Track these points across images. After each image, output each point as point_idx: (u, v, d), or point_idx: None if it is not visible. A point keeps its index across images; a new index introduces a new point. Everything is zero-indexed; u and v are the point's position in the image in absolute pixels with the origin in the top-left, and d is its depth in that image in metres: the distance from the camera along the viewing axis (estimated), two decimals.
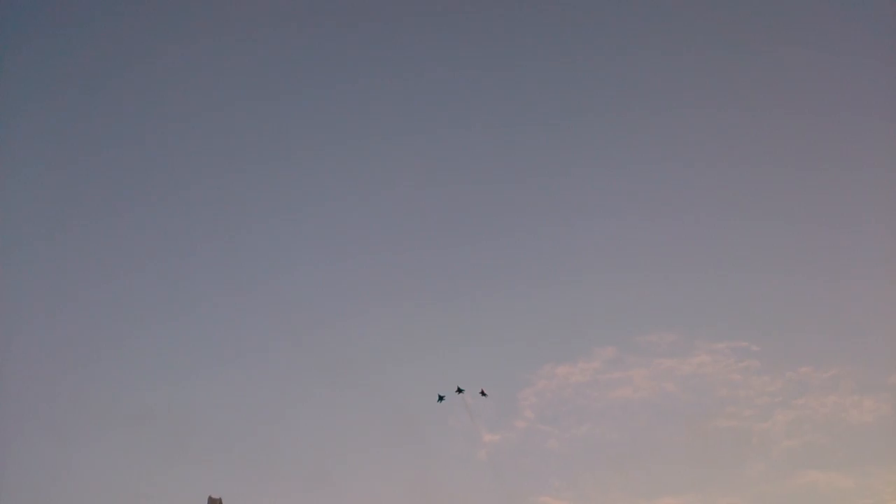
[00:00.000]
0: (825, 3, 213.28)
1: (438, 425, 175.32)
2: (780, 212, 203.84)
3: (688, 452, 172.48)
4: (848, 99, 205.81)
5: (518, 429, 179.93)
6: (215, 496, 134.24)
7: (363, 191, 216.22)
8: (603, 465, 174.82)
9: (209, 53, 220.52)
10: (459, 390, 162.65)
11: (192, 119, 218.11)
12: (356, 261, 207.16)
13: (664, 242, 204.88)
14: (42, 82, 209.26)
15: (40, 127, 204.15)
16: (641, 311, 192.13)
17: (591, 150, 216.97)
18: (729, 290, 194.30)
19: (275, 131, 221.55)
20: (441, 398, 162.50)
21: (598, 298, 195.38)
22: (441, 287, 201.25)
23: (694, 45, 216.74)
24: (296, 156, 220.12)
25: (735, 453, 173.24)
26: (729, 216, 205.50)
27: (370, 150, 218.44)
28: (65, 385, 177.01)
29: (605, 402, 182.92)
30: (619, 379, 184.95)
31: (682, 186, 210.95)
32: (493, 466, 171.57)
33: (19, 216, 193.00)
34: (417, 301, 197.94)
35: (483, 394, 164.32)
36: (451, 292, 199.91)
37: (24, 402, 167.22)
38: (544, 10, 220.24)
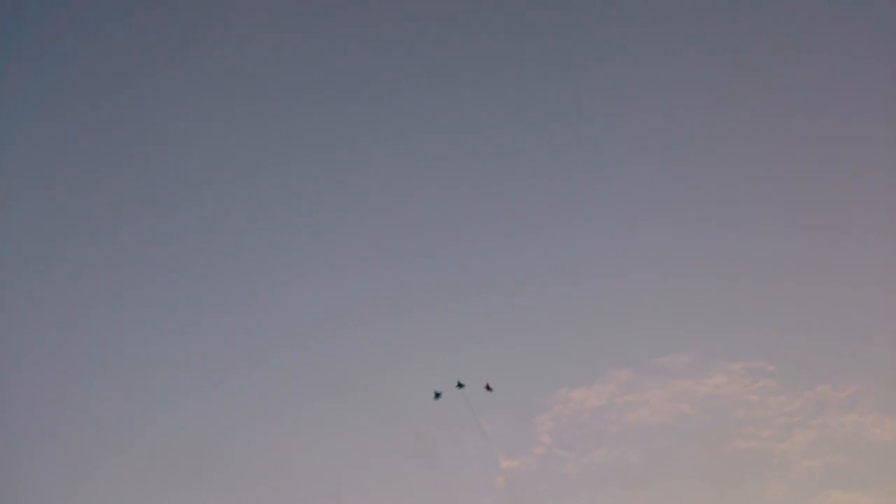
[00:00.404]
0: (826, 3, 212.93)
1: (454, 451, 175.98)
2: (794, 221, 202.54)
3: (707, 475, 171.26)
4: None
5: (536, 454, 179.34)
6: None
7: (370, 202, 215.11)
8: (621, 489, 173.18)
9: (209, 56, 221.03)
10: (460, 385, 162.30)
11: (193, 122, 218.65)
12: (365, 276, 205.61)
13: (677, 262, 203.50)
14: (43, 81, 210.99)
15: (44, 132, 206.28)
16: (656, 332, 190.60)
17: (597, 162, 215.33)
18: (743, 309, 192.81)
19: (273, 136, 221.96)
20: (437, 395, 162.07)
21: (612, 320, 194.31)
22: (454, 309, 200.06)
23: (713, 46, 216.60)
24: (295, 161, 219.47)
25: (755, 475, 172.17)
26: (741, 229, 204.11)
27: (372, 155, 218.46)
28: (64, 395, 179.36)
29: (621, 425, 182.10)
30: (635, 402, 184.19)
31: (693, 200, 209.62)
32: (511, 493, 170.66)
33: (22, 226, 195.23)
34: (430, 325, 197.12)
35: (488, 388, 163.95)
36: (466, 315, 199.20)
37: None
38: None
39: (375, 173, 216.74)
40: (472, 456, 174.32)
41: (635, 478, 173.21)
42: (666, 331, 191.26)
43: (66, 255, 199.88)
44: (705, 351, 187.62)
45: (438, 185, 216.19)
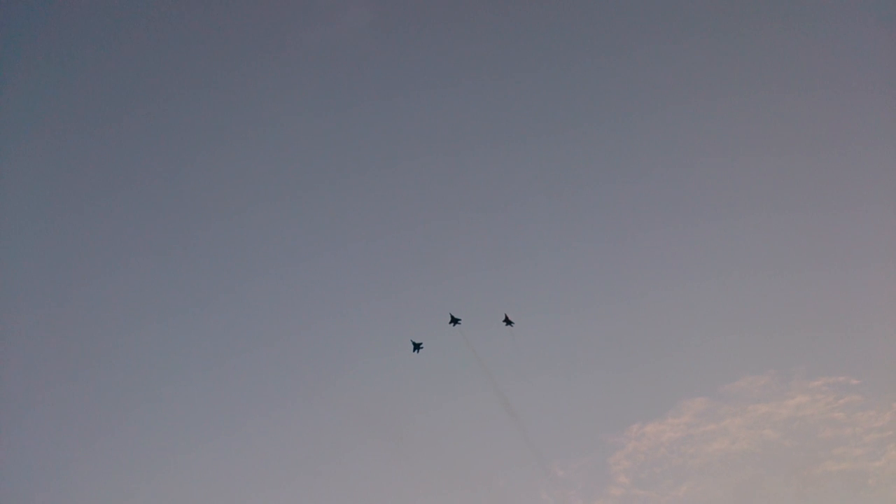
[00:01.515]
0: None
1: (527, 501, 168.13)
2: (869, 226, 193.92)
3: (799, 502, 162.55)
4: None
5: (614, 497, 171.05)
6: None
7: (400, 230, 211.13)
8: None
9: (208, 58, 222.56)
10: (454, 321, 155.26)
11: (187, 117, 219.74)
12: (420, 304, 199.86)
13: (739, 278, 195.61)
14: (44, 81, 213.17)
15: (41, 125, 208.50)
16: (727, 356, 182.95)
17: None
18: (817, 322, 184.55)
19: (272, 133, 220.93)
20: (417, 347, 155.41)
21: (680, 349, 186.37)
22: (510, 343, 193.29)
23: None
24: (293, 156, 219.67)
25: (851, 498, 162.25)
26: (808, 238, 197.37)
27: (400, 173, 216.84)
28: (61, 384, 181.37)
29: (702, 457, 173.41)
30: (713, 431, 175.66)
31: (761, 213, 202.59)
32: None
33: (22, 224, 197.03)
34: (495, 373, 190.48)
35: (508, 321, 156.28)
36: (523, 349, 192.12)
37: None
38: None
39: (406, 200, 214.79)
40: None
41: None
42: (736, 353, 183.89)
43: (55, 242, 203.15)
44: (781, 371, 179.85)
45: (482, 208, 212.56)
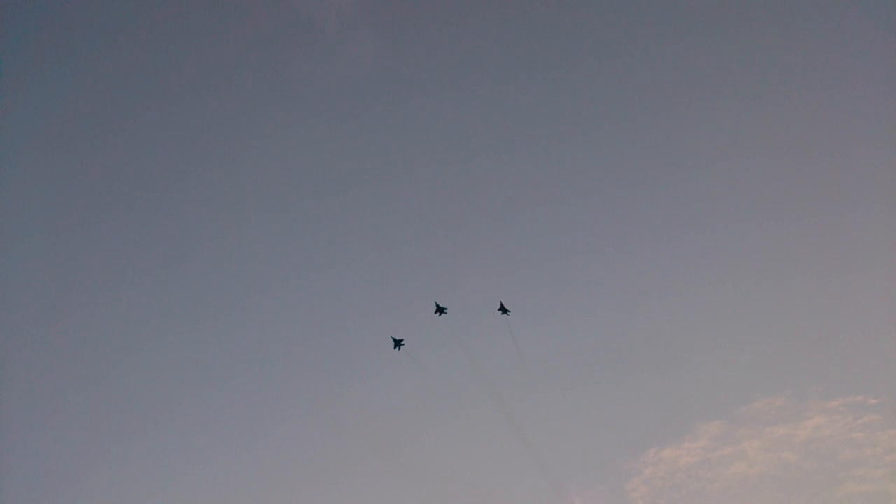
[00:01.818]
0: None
1: None
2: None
3: None
4: None
5: None
6: None
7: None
8: None
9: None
10: (397, 344, 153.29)
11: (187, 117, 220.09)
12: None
13: (751, 302, 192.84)
14: (44, 77, 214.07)
15: (44, 128, 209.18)
16: (742, 377, 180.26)
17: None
18: (832, 341, 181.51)
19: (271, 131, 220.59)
20: (397, 343, 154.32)
21: (694, 371, 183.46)
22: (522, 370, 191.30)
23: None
24: (293, 161, 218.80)
25: None
26: (820, 257, 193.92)
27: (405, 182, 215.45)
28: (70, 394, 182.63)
29: (720, 482, 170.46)
30: (730, 455, 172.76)
31: (767, 235, 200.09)
32: None
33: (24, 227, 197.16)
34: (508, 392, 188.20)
35: (504, 309, 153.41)
36: (535, 376, 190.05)
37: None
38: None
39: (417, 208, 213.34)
40: None
41: None
42: (751, 375, 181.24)
43: (58, 250, 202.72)
44: (798, 391, 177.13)
45: (489, 216, 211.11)
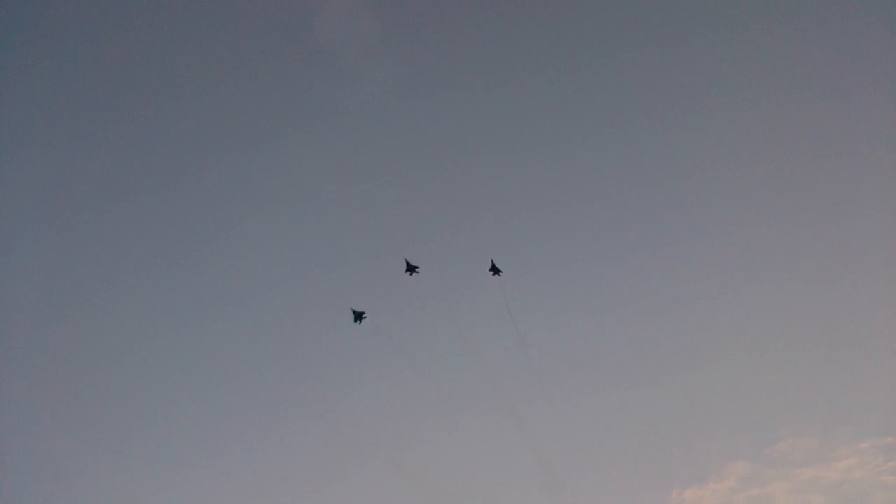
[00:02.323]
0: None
1: None
2: None
3: None
4: None
5: None
6: None
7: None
8: None
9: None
10: (357, 318, 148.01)
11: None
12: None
13: (781, 333, 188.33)
14: (44, 77, 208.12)
15: (43, 124, 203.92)
16: (770, 416, 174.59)
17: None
18: (863, 379, 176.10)
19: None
20: (357, 317, 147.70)
21: (719, 409, 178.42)
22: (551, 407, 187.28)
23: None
24: (294, 160, 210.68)
25: None
26: (852, 287, 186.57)
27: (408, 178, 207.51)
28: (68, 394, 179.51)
29: None
30: (758, 496, 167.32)
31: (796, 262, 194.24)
32: None
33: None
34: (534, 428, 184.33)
35: (495, 270, 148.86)
36: (556, 412, 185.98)
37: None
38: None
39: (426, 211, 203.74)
40: None
41: None
42: (779, 414, 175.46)
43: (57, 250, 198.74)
44: (827, 432, 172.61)
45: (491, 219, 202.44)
